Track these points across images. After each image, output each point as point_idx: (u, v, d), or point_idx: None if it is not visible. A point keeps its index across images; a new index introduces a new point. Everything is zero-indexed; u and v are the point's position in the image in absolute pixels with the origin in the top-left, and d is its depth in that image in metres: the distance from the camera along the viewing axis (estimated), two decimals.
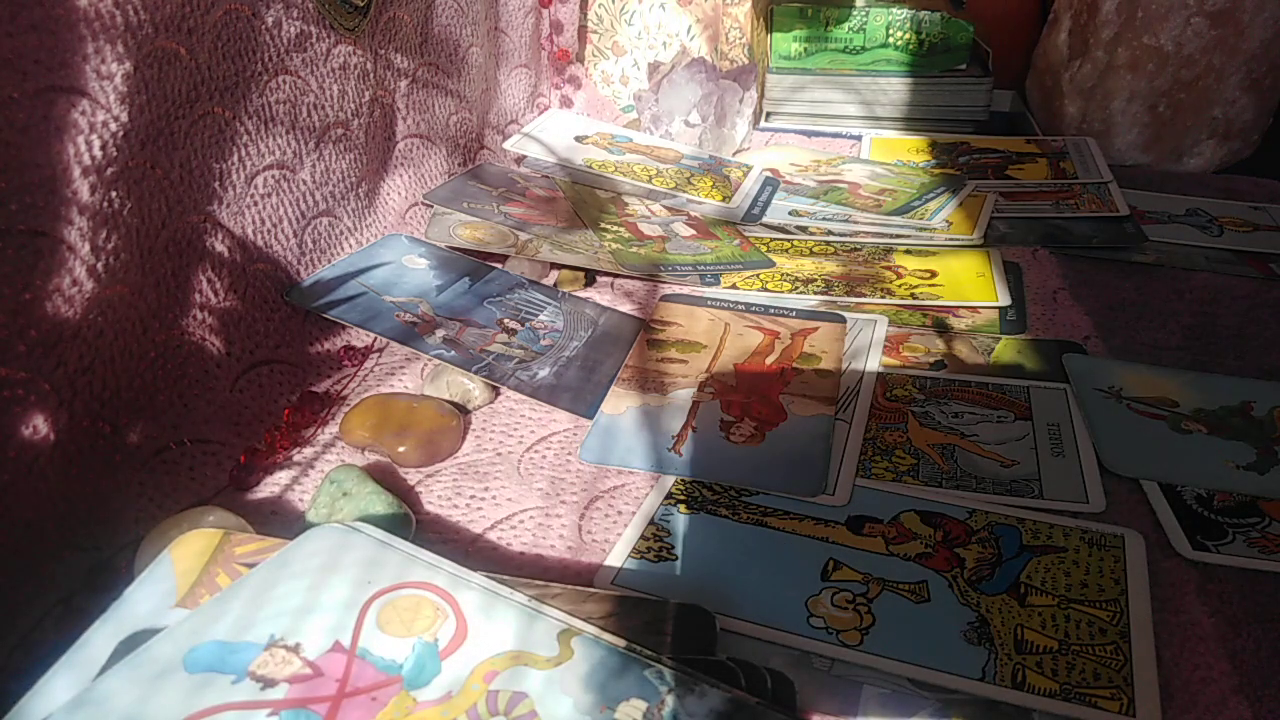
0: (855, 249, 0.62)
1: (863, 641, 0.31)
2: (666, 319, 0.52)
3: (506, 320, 0.50)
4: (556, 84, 0.81)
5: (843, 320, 0.52)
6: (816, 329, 0.51)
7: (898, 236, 0.63)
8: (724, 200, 0.66)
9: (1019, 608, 0.33)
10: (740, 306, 0.54)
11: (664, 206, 0.67)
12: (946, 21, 0.85)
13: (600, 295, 0.55)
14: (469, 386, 0.44)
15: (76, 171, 0.34)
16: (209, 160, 0.42)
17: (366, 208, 0.55)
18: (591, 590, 0.32)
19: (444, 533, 0.37)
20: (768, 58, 0.88)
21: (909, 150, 0.81)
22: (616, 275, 0.57)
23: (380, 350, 0.48)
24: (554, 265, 0.57)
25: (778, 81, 0.88)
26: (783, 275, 0.58)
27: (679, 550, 0.35)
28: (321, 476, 0.38)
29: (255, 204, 0.45)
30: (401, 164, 0.59)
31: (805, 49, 0.88)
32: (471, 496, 0.38)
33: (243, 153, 0.44)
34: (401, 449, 0.39)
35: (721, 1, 0.78)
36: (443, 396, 0.44)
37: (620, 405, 0.44)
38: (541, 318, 0.50)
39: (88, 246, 0.34)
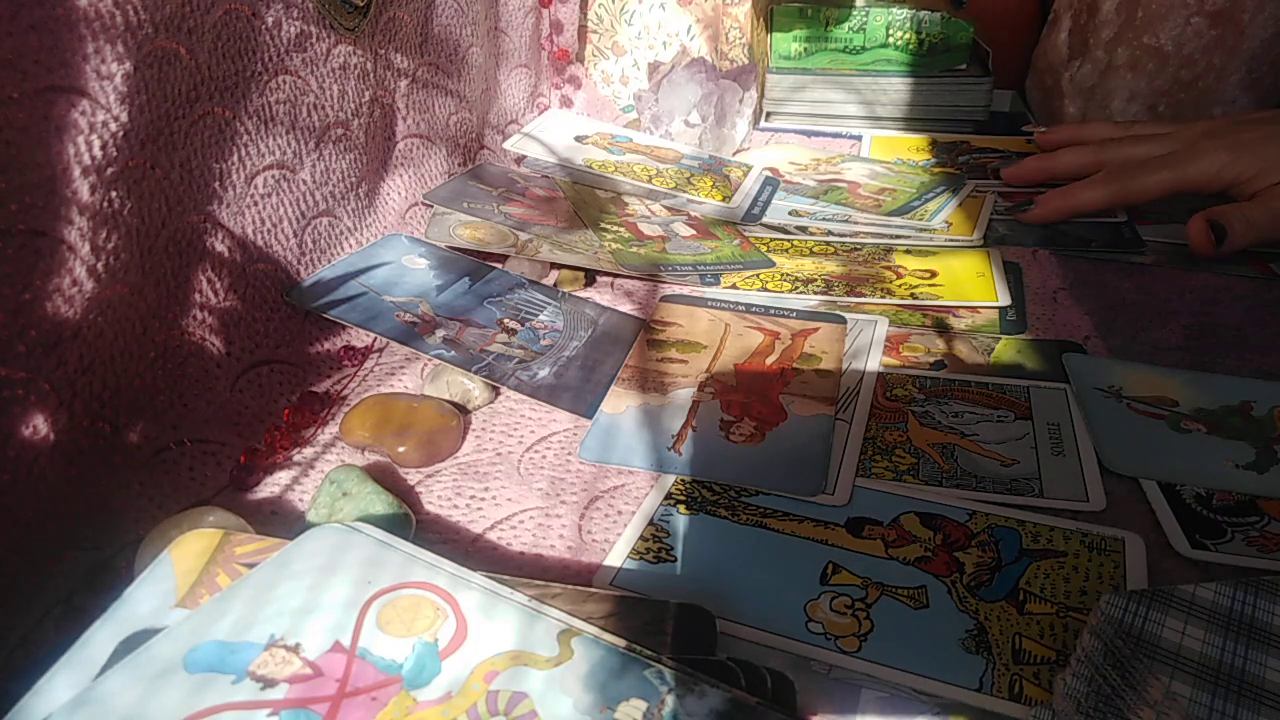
0: (855, 249, 0.62)
1: (861, 648, 0.31)
2: (667, 319, 0.52)
3: (506, 320, 0.50)
4: (556, 84, 0.81)
5: (843, 320, 0.52)
6: (817, 329, 0.51)
7: (898, 236, 0.64)
8: (724, 200, 0.66)
9: (1017, 615, 0.33)
10: (740, 307, 0.54)
11: (664, 206, 0.67)
12: (946, 21, 0.85)
13: (600, 295, 0.55)
14: (469, 386, 0.44)
15: (76, 171, 0.34)
16: (209, 160, 0.42)
17: (366, 208, 0.55)
18: (592, 590, 0.32)
19: (444, 533, 0.37)
20: (768, 58, 0.88)
21: (909, 150, 0.81)
22: (616, 275, 0.57)
23: (380, 350, 0.48)
24: (554, 265, 0.57)
25: (778, 81, 0.88)
26: (783, 275, 0.58)
27: (678, 551, 0.35)
28: (321, 476, 0.38)
29: (255, 204, 0.45)
30: (401, 164, 0.59)
31: (805, 49, 0.88)
32: (471, 496, 0.38)
33: (243, 153, 0.44)
34: (401, 449, 0.40)
35: (721, 1, 0.78)
36: (443, 396, 0.44)
37: (620, 405, 0.44)
38: (541, 318, 0.51)
39: (88, 246, 0.34)
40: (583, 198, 0.66)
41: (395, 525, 0.34)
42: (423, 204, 0.60)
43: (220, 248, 0.43)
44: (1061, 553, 0.35)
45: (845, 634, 0.32)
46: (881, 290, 0.55)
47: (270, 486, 0.38)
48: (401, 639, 0.28)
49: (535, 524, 0.37)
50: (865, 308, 0.54)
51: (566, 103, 0.81)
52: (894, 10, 0.86)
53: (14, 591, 0.31)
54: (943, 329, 0.52)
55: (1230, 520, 0.37)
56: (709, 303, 0.54)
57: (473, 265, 0.55)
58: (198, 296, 0.42)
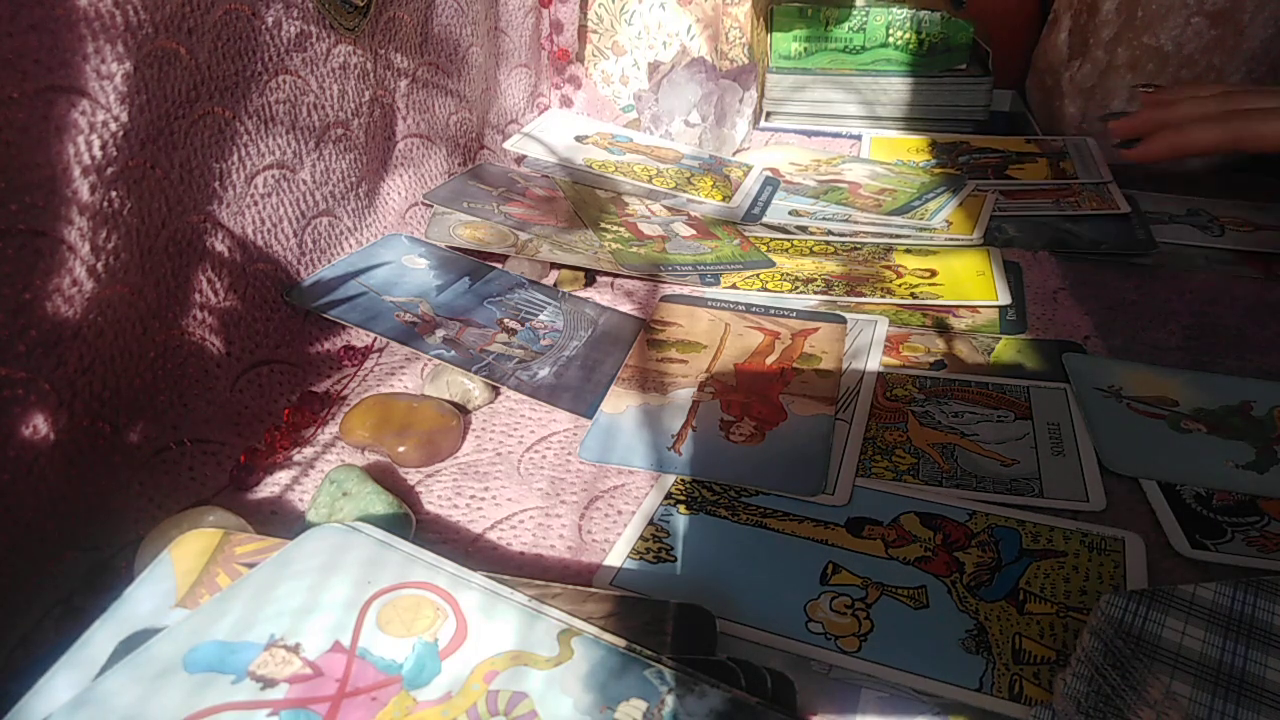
0: (855, 249, 0.62)
1: (860, 648, 0.31)
2: (667, 319, 0.52)
3: (506, 320, 0.50)
4: (556, 84, 0.81)
5: (843, 320, 0.52)
6: (817, 329, 0.51)
7: (898, 236, 0.64)
8: (724, 200, 0.66)
9: (1017, 615, 0.33)
10: (740, 307, 0.54)
11: (664, 206, 0.67)
12: (946, 21, 0.85)
13: (600, 295, 0.55)
14: (469, 386, 0.44)
15: (76, 171, 0.34)
16: (209, 160, 0.42)
17: (366, 208, 0.55)
18: (592, 590, 0.32)
19: (444, 533, 0.37)
20: (768, 58, 0.88)
21: (909, 150, 0.81)
22: (616, 275, 0.57)
23: (380, 350, 0.48)
24: (554, 265, 0.57)
25: (778, 81, 0.88)
26: (783, 275, 0.58)
27: (678, 551, 0.35)
28: (321, 476, 0.38)
29: (255, 204, 0.45)
30: (401, 164, 0.59)
31: (805, 49, 0.88)
32: (471, 496, 0.38)
33: (243, 153, 0.44)
34: (401, 449, 0.39)
35: (721, 1, 0.78)
36: (443, 396, 0.44)
37: (620, 405, 0.44)
38: (541, 318, 0.51)
39: (88, 246, 0.34)
40: (583, 198, 0.66)
41: (395, 525, 0.34)
42: (423, 204, 0.60)
43: (220, 248, 0.43)
44: (1061, 553, 0.35)
45: (845, 634, 0.32)
46: (881, 290, 0.55)
47: (270, 486, 0.38)
48: (401, 639, 0.28)
49: (535, 524, 0.37)
50: (865, 307, 0.54)
51: (566, 103, 0.81)
52: (894, 10, 0.86)
53: (14, 591, 0.31)
54: (943, 329, 0.52)
55: (1230, 520, 0.37)
56: (709, 303, 0.54)
57: (473, 265, 0.55)
58: (198, 296, 0.42)
